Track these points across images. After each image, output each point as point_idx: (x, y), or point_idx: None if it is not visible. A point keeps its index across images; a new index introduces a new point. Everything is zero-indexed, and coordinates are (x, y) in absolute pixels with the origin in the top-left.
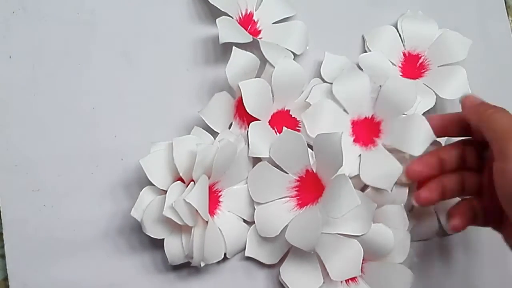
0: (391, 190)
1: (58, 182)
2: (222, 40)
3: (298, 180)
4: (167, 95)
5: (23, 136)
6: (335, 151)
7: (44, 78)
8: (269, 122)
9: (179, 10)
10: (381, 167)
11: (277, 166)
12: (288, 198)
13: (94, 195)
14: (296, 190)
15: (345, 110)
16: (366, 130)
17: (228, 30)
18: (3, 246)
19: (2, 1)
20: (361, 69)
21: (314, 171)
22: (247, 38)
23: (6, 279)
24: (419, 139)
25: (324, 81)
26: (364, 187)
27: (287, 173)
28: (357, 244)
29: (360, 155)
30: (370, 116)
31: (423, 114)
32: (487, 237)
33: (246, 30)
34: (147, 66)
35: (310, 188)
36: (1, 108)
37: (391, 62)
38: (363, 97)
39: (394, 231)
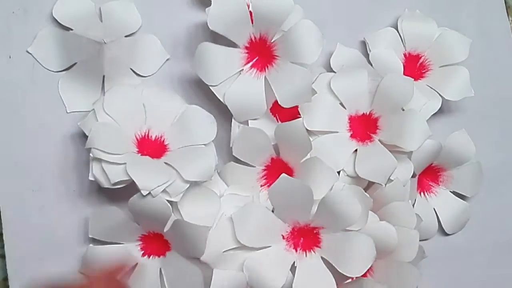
0: (385, 185)
1: (58, 182)
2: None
3: (264, 169)
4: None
5: (23, 136)
6: (301, 137)
7: (44, 78)
8: (270, 109)
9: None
10: (376, 161)
11: (243, 162)
12: (259, 188)
13: (94, 195)
14: (265, 178)
15: (343, 105)
16: (364, 126)
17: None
18: (3, 246)
19: (2, 1)
20: (371, 65)
21: (280, 157)
22: None
23: (6, 279)
24: (415, 134)
25: (333, 71)
26: (367, 187)
27: (254, 166)
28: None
29: (356, 150)
30: (368, 112)
31: (431, 118)
32: (487, 237)
33: None
34: None
35: (277, 173)
36: (1, 108)
37: None
38: (361, 93)
39: (401, 230)
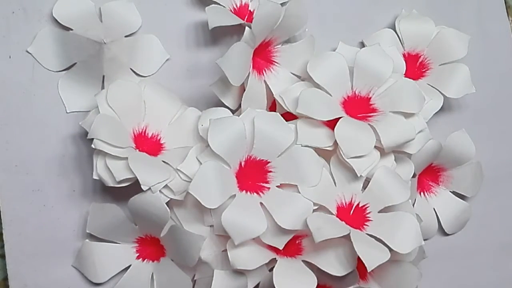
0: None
1: (58, 182)
2: (212, 25)
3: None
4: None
5: (23, 136)
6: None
7: (44, 78)
8: (270, 109)
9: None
10: (396, 129)
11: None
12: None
13: (94, 195)
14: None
15: (328, 93)
16: (358, 105)
17: (217, 16)
18: (3, 246)
19: (2, 1)
20: None
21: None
22: (236, 20)
23: (6, 279)
24: (412, 99)
25: None
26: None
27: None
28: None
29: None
30: (355, 92)
31: (432, 117)
32: (487, 237)
33: (243, 20)
34: None
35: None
36: (1, 108)
37: None
38: (342, 76)
39: None
